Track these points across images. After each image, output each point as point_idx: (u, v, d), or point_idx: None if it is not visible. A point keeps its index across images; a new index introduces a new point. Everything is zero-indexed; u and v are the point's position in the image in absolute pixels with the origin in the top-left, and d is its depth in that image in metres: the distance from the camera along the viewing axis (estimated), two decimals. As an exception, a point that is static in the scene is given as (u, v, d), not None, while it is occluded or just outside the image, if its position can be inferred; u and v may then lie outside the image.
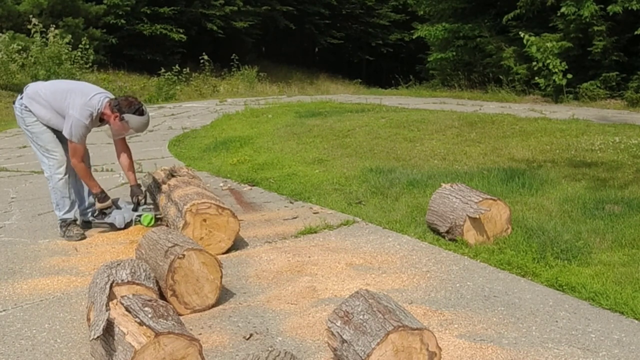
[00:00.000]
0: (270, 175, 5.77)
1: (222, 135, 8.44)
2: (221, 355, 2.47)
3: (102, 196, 4.16)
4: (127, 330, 2.11)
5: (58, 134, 4.11)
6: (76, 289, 3.20)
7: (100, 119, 4.04)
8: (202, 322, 2.77)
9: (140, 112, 3.95)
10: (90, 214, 4.34)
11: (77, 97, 3.94)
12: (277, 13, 23.88)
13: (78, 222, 4.23)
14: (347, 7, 27.04)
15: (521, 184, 4.81)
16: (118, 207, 4.25)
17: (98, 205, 4.19)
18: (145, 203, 4.31)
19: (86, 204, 4.35)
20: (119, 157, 4.30)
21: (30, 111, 4.03)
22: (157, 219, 4.23)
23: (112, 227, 4.21)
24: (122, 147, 4.26)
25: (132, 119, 3.93)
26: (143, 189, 4.42)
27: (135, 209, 4.27)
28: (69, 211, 4.12)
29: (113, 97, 4.08)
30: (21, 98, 4.08)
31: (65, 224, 4.12)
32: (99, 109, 3.95)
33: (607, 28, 10.93)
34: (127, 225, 4.23)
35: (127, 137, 4.27)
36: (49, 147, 4.06)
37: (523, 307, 2.83)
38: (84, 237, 4.10)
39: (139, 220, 4.22)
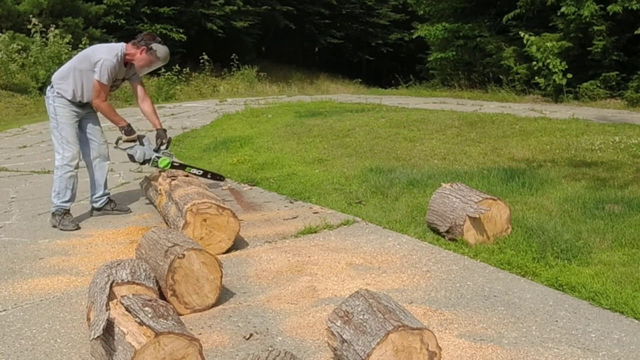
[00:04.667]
0: (270, 175, 5.77)
1: (222, 135, 8.44)
2: (221, 355, 2.47)
3: (129, 129, 4.51)
4: (127, 330, 2.11)
5: (88, 122, 4.44)
6: (76, 289, 3.20)
7: (125, 64, 4.39)
8: (202, 322, 2.77)
9: (162, 42, 4.43)
10: (100, 202, 4.62)
11: (100, 48, 4.40)
12: (277, 13, 23.88)
13: (70, 213, 4.44)
14: (347, 7, 27.05)
15: (521, 183, 4.81)
16: (142, 144, 4.53)
17: (124, 138, 4.52)
18: (167, 148, 4.59)
19: (100, 192, 4.60)
20: (141, 106, 4.67)
21: (62, 97, 4.31)
22: (173, 166, 4.55)
23: (131, 158, 4.57)
24: (143, 96, 4.65)
25: (159, 48, 4.37)
26: (168, 134, 4.68)
27: (156, 150, 4.54)
28: (67, 201, 4.37)
29: None
30: (51, 87, 4.37)
31: (61, 212, 4.33)
32: (122, 50, 4.33)
33: (607, 28, 10.93)
34: (145, 161, 4.51)
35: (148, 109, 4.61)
36: (70, 139, 4.34)
37: (523, 307, 2.83)
38: (78, 228, 4.31)
39: (157, 161, 4.51)
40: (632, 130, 7.17)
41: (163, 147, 4.57)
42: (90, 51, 4.37)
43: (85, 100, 4.36)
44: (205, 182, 5.31)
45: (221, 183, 5.63)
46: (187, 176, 4.54)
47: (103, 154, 4.54)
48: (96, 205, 4.62)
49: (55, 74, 4.42)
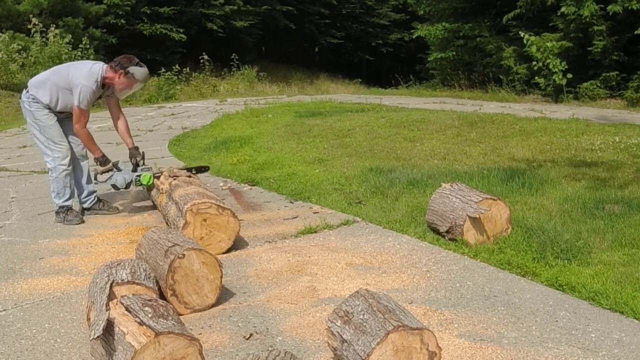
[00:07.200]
0: (270, 175, 5.77)
1: (222, 135, 8.44)
2: (221, 355, 2.47)
3: (103, 160, 4.47)
4: (127, 330, 2.11)
5: (63, 127, 4.40)
6: (76, 289, 3.20)
7: (103, 85, 4.36)
8: (202, 322, 2.77)
9: (140, 64, 4.36)
10: (88, 202, 4.63)
11: (79, 68, 4.33)
12: (277, 13, 23.89)
13: (77, 209, 4.54)
14: (347, 7, 27.07)
15: (521, 183, 4.81)
16: (119, 169, 4.53)
17: (100, 169, 4.50)
18: (143, 164, 4.59)
19: (85, 192, 4.63)
20: (115, 124, 4.66)
21: (38, 102, 4.32)
22: (156, 177, 4.54)
23: (114, 187, 4.54)
24: (117, 114, 4.63)
25: (136, 70, 4.31)
26: (141, 151, 4.68)
27: (134, 170, 4.55)
28: (69, 199, 4.44)
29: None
30: (27, 91, 4.37)
31: (64, 210, 4.42)
32: (102, 74, 4.30)
33: (607, 28, 10.94)
34: (128, 185, 4.51)
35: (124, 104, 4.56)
36: (56, 139, 4.36)
37: (523, 307, 2.83)
38: (82, 222, 4.42)
39: (139, 180, 4.51)
40: (632, 130, 7.17)
41: (140, 165, 4.55)
42: (68, 70, 4.32)
43: (59, 110, 4.36)
44: (205, 182, 5.31)
45: (221, 183, 5.63)
46: (189, 176, 4.54)
47: (81, 153, 4.55)
48: (85, 205, 4.64)
49: (32, 80, 4.41)
